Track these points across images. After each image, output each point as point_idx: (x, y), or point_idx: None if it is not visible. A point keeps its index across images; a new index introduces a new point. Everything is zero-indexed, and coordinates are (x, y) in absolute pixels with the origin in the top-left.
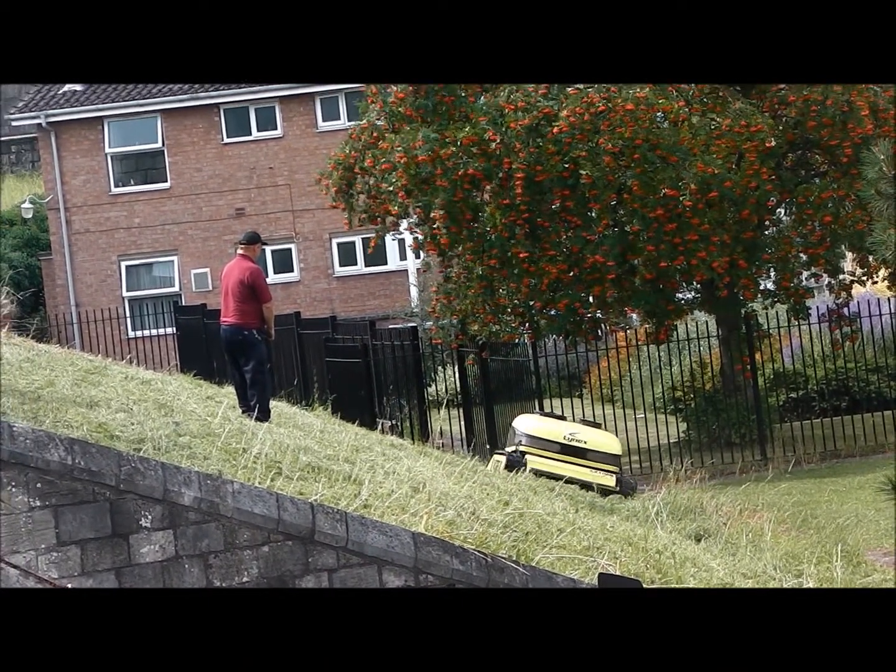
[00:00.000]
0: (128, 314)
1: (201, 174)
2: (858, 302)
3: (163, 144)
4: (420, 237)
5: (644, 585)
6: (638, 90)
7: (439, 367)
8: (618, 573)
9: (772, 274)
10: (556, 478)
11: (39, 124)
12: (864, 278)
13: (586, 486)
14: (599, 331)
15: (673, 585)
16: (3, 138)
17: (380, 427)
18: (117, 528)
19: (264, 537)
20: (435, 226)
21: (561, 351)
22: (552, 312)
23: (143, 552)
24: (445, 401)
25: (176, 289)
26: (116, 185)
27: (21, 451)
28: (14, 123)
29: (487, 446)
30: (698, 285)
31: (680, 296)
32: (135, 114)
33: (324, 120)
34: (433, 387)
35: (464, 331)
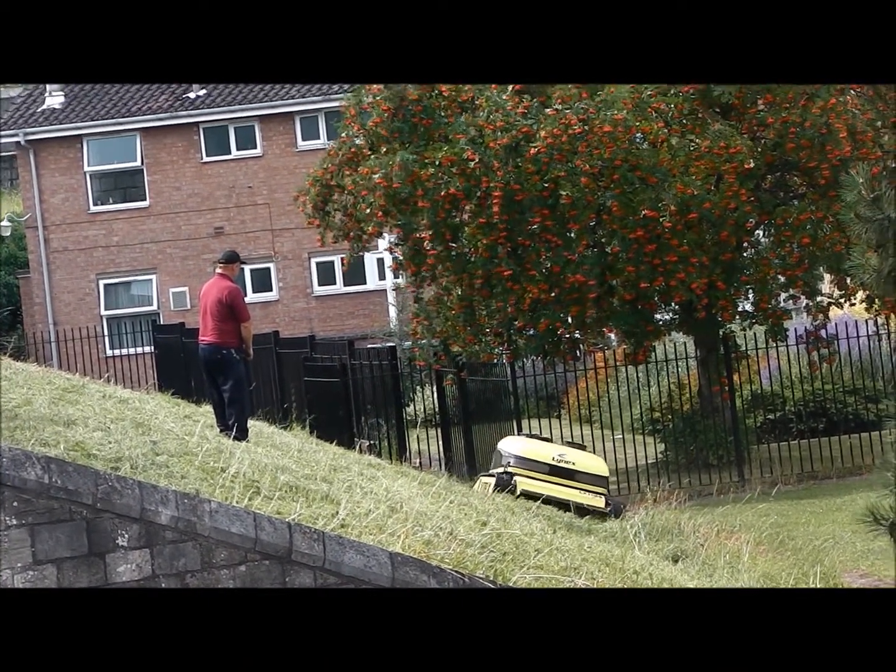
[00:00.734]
0: (106, 333)
1: (180, 193)
2: (836, 324)
3: (142, 163)
4: (400, 257)
5: None
6: (616, 112)
7: (418, 387)
8: None
9: (750, 295)
10: (547, 500)
11: (18, 142)
12: (842, 300)
13: (578, 508)
14: (578, 351)
15: None
16: None
17: (358, 447)
18: (94, 546)
19: (241, 556)
20: (418, 246)
21: (539, 371)
22: (531, 333)
23: (119, 571)
24: (424, 421)
25: (154, 307)
26: (95, 204)
27: None
28: None
29: (465, 466)
30: (677, 306)
31: (658, 317)
32: (114, 132)
33: (303, 139)
34: (411, 407)
35: (445, 351)
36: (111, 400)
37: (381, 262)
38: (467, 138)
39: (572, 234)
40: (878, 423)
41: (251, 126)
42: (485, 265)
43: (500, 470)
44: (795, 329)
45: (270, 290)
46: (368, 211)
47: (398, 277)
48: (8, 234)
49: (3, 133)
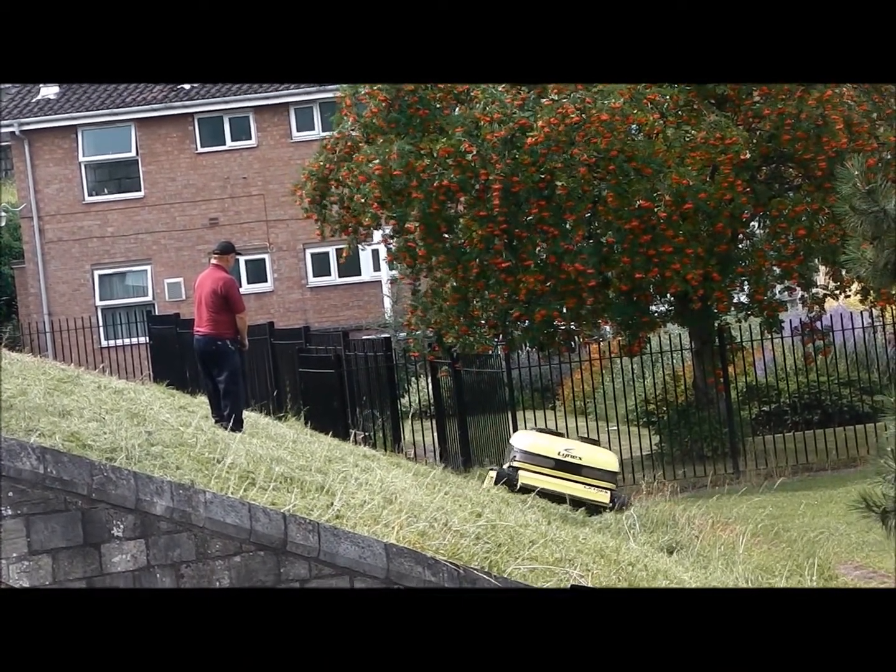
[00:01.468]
0: (101, 323)
1: (175, 183)
2: (831, 315)
3: (137, 153)
4: (394, 248)
5: None
6: (613, 101)
7: (412, 379)
8: (590, 585)
9: (745, 287)
10: (548, 494)
11: (13, 132)
12: (837, 292)
13: (579, 502)
14: (573, 343)
15: None
16: None
17: (353, 438)
18: (89, 537)
19: (236, 547)
20: (410, 237)
21: (534, 363)
22: (526, 324)
23: (114, 561)
24: (418, 412)
25: (149, 298)
26: (90, 194)
27: None
28: None
29: (460, 458)
30: (672, 298)
31: (654, 308)
32: (109, 122)
33: (298, 130)
34: (406, 398)
35: (439, 342)
36: (106, 390)
37: (375, 253)
38: (464, 130)
39: (568, 225)
40: (873, 415)
41: (246, 117)
42: (480, 256)
43: (507, 464)
44: (790, 321)
45: (265, 280)
46: (364, 201)
47: (393, 269)
48: (2, 224)
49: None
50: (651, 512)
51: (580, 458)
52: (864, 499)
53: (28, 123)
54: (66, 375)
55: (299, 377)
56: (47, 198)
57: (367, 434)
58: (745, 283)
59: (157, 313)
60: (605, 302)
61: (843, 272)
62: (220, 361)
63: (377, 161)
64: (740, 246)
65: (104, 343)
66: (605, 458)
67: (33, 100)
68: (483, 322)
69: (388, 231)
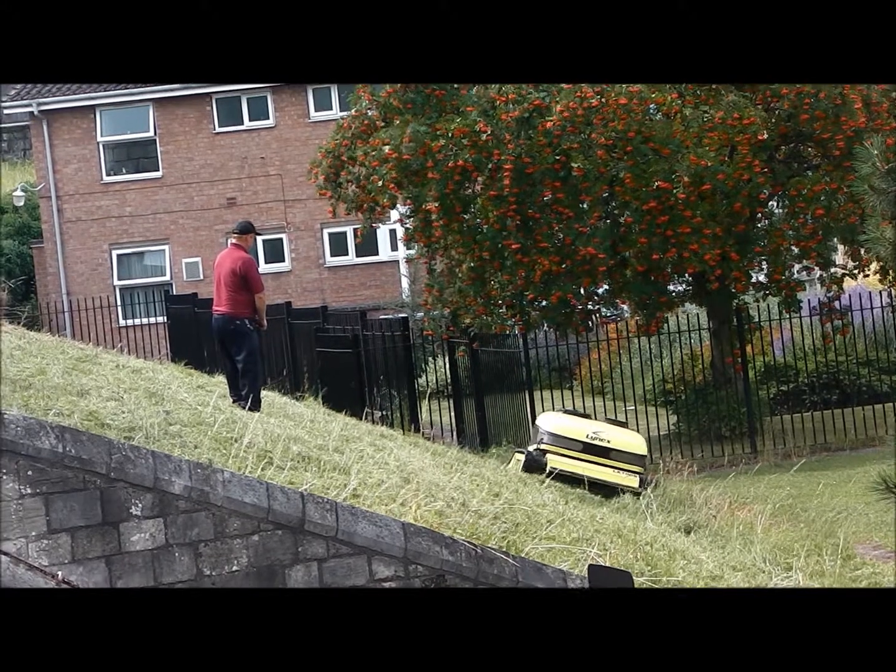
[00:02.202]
0: (119, 303)
1: (193, 163)
2: (850, 295)
3: (155, 133)
4: (410, 228)
5: (634, 577)
6: (631, 85)
7: (430, 358)
8: (608, 565)
9: (763, 266)
10: (577, 478)
11: (31, 112)
12: (856, 271)
13: (607, 486)
14: (590, 322)
15: (662, 578)
16: None
17: (370, 417)
18: (108, 516)
19: (254, 526)
20: (426, 217)
21: (552, 342)
22: (543, 304)
23: (133, 540)
24: (436, 392)
25: (167, 278)
26: (108, 174)
27: (12, 438)
28: (6, 111)
29: (477, 438)
30: (690, 277)
31: (671, 288)
32: (127, 103)
33: (316, 110)
34: (423, 377)
35: (455, 322)
36: (124, 370)
37: (393, 233)
38: (479, 110)
39: (584, 206)
40: (891, 395)
41: (264, 97)
42: (494, 237)
43: (534, 447)
44: (809, 300)
45: (283, 260)
46: (381, 183)
47: (410, 249)
48: (21, 203)
49: (16, 103)
50: (668, 492)
51: (609, 442)
52: (883, 479)
53: (46, 103)
54: (84, 355)
55: (317, 357)
56: (66, 178)
57: (384, 413)
58: (764, 262)
59: (174, 293)
60: (622, 282)
61: (862, 251)
62: (239, 341)
63: (390, 146)
64: (758, 226)
65: (122, 322)
66: (633, 441)
67: None
68: (500, 302)
69: (404, 210)
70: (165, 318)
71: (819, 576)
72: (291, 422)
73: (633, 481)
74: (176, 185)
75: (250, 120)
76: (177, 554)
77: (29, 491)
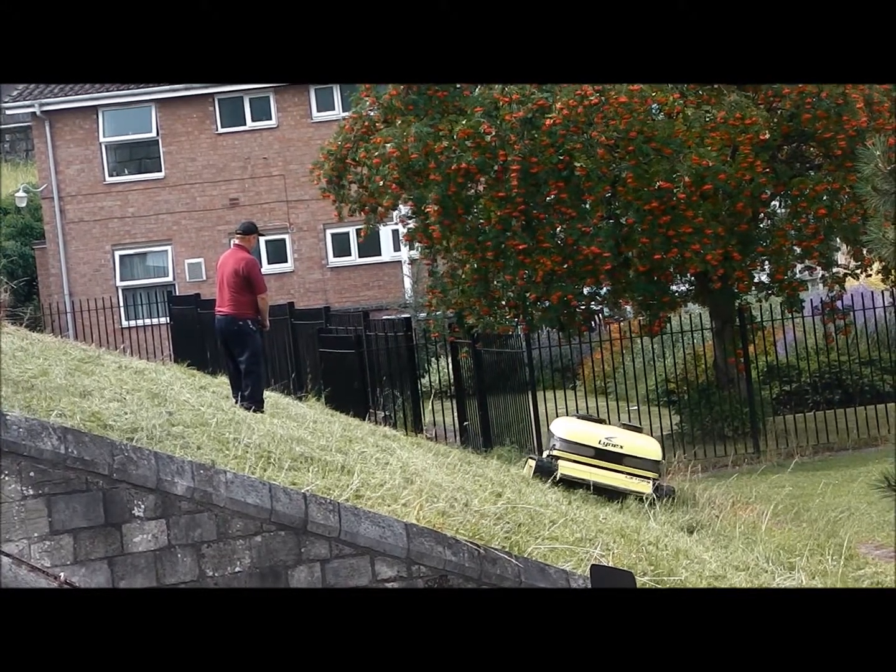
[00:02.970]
0: (121, 304)
1: (195, 164)
2: (852, 295)
3: (157, 134)
4: (412, 228)
5: (637, 577)
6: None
7: (433, 359)
8: (610, 565)
9: (766, 266)
10: (587, 485)
11: (34, 113)
12: (858, 271)
13: (619, 492)
14: (593, 323)
15: (665, 578)
16: None
17: (373, 418)
18: (110, 517)
19: (257, 527)
20: (428, 220)
21: (554, 343)
22: (546, 304)
23: (135, 541)
24: (438, 392)
25: (170, 279)
26: (111, 175)
27: (14, 439)
28: (8, 112)
29: (480, 438)
30: (692, 277)
31: (674, 288)
32: (129, 103)
33: (318, 110)
34: (426, 378)
35: (459, 323)
36: (127, 371)
37: (395, 233)
38: (482, 111)
39: (587, 206)
40: (894, 395)
41: (266, 97)
42: (497, 237)
43: (546, 453)
44: (811, 300)
45: (285, 261)
46: (382, 183)
47: (412, 249)
48: (23, 204)
49: (19, 104)
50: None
51: (621, 447)
52: (886, 478)
53: (49, 104)
54: (87, 356)
55: (320, 357)
56: (68, 178)
57: (387, 414)
58: (766, 262)
59: (177, 294)
60: (624, 282)
61: (864, 251)
62: (242, 342)
63: (392, 144)
64: (761, 226)
65: (125, 323)
66: (647, 447)
67: None
68: (503, 302)
69: (405, 211)
70: (168, 318)
71: (822, 575)
72: (294, 422)
73: (646, 487)
74: (178, 185)
75: (253, 120)
76: (179, 555)
77: (31, 492)
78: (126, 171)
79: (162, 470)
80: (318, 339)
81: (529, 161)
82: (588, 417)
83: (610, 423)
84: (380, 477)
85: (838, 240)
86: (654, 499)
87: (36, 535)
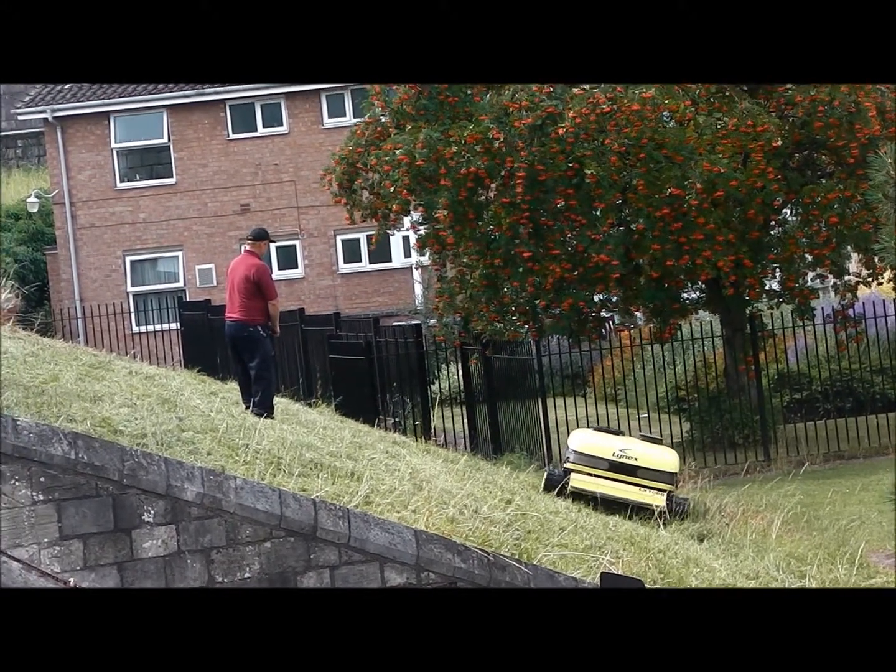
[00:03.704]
0: (132, 309)
1: (206, 170)
2: (864, 303)
3: (168, 140)
4: (423, 234)
5: (646, 585)
6: (644, 90)
7: (443, 365)
8: (620, 573)
9: (777, 274)
10: (600, 498)
11: (45, 119)
12: (870, 279)
13: (632, 506)
14: (603, 330)
15: (675, 586)
16: (9, 132)
17: (382, 424)
18: (120, 522)
19: (266, 533)
20: (439, 225)
21: (565, 349)
22: (556, 311)
23: (145, 547)
24: (448, 398)
25: (180, 284)
26: (122, 181)
27: (25, 444)
28: (20, 118)
29: (490, 445)
30: (703, 285)
31: (685, 295)
32: (141, 109)
33: (329, 116)
34: (436, 384)
35: (467, 329)
36: (137, 376)
37: (406, 239)
38: (492, 117)
39: (597, 213)
40: None
41: (277, 103)
42: (507, 244)
43: (562, 464)
44: (823, 308)
45: (296, 267)
46: (393, 189)
47: (422, 255)
48: (35, 210)
49: (31, 110)
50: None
51: (636, 459)
52: None
53: (60, 110)
54: (97, 361)
55: (330, 363)
56: (79, 184)
57: (397, 420)
58: (777, 270)
59: (188, 299)
60: (635, 289)
61: (876, 259)
62: (252, 348)
63: (402, 150)
64: (772, 233)
65: (136, 329)
66: (662, 459)
67: (66, 85)
68: (513, 309)
69: (416, 217)
70: (179, 324)
71: (832, 584)
72: (304, 428)
73: (659, 500)
74: (189, 191)
75: (264, 126)
76: (189, 561)
77: (41, 497)
78: (137, 177)
79: (172, 476)
80: (329, 345)
81: (536, 168)
82: (606, 430)
83: (630, 435)
84: (389, 483)
85: (850, 248)
86: (665, 512)
87: (46, 540)
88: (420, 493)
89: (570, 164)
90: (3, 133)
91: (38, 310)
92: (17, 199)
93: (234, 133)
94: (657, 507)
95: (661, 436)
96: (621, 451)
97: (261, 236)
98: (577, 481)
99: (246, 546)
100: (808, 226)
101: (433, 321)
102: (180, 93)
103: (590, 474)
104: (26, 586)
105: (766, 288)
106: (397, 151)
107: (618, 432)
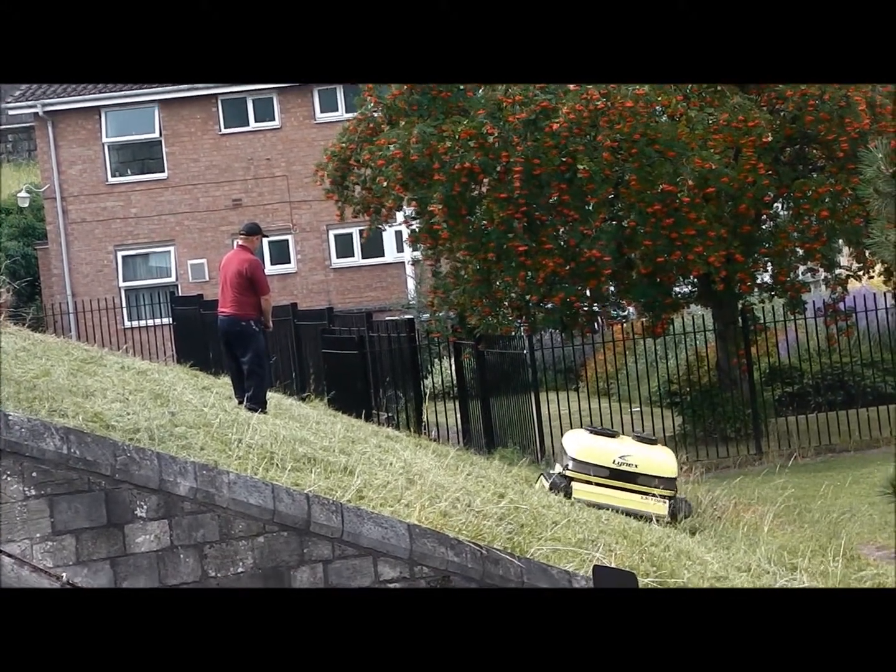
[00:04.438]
0: (124, 304)
1: (198, 164)
2: (854, 297)
3: (160, 134)
4: (416, 229)
5: (639, 578)
6: (637, 87)
7: (436, 360)
8: (613, 566)
9: (768, 268)
10: (603, 507)
11: (36, 113)
12: (861, 273)
13: (635, 515)
14: (596, 324)
15: (667, 579)
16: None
17: (376, 419)
18: (112, 517)
19: (260, 528)
20: (433, 220)
21: (557, 344)
22: (549, 306)
23: (138, 542)
24: (441, 393)
25: (172, 279)
26: (113, 175)
27: (16, 440)
28: (11, 112)
29: (483, 439)
30: (695, 279)
31: (677, 290)
32: (132, 104)
33: (322, 111)
34: (429, 379)
35: (461, 324)
36: (129, 371)
37: (398, 234)
38: (486, 112)
39: (590, 208)
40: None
41: (269, 98)
42: (499, 239)
43: (559, 470)
44: (814, 302)
45: (288, 262)
46: (386, 184)
47: (415, 250)
48: (26, 205)
49: (21, 104)
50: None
51: (636, 466)
52: (893, 484)
53: (51, 104)
54: (89, 356)
55: (322, 358)
56: (70, 179)
57: (390, 415)
58: (769, 264)
59: (180, 294)
60: (627, 284)
61: (867, 253)
62: (244, 342)
63: (396, 145)
64: (763, 227)
65: (127, 324)
66: (661, 464)
67: None
68: (506, 303)
69: (409, 212)
70: (171, 319)
71: (823, 577)
72: (297, 423)
73: (662, 508)
74: (181, 186)
75: (256, 121)
76: (182, 555)
77: (33, 492)
78: (129, 172)
79: (164, 470)
80: (322, 339)
81: (532, 162)
82: (600, 431)
83: (623, 435)
84: (382, 478)
85: (841, 242)
86: (668, 521)
87: (38, 535)
88: (413, 488)
89: (564, 159)
90: None
91: (29, 305)
92: (8, 194)
93: (225, 128)
94: (660, 516)
95: (654, 430)
96: (621, 458)
97: (253, 231)
98: (580, 492)
99: (239, 541)
100: (800, 220)
101: (426, 316)
102: (172, 87)
103: (590, 482)
104: (19, 581)
105: (758, 282)
106: (391, 146)
107: (612, 433)
